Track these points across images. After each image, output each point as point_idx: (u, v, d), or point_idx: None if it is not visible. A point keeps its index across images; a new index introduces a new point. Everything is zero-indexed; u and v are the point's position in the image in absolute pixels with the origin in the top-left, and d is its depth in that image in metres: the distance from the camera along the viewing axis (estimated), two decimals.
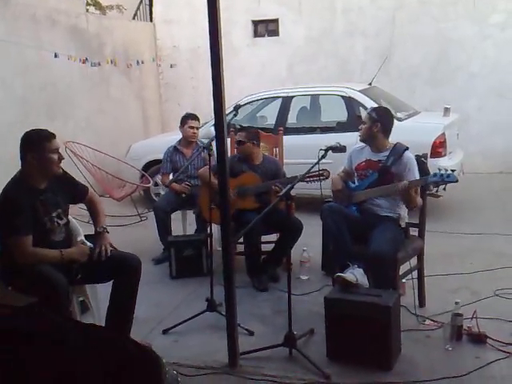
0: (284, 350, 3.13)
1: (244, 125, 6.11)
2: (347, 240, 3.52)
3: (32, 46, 6.70)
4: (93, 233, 3.27)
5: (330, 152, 3.24)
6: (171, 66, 9.43)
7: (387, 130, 3.70)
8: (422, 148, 4.53)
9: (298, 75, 8.84)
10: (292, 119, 6.80)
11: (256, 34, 9.44)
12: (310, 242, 4.49)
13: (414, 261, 3.69)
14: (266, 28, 9.42)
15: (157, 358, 1.26)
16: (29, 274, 2.86)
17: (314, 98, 7.03)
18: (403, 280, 3.73)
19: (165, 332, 3.52)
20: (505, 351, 3.09)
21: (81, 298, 3.38)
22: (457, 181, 3.30)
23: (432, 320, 3.50)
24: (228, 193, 3.03)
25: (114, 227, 4.99)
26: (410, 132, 5.38)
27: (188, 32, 9.41)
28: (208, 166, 3.80)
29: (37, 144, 2.98)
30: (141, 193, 7.01)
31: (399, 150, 3.60)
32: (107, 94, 8.28)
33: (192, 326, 3.54)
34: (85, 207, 3.48)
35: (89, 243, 3.22)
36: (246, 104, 6.47)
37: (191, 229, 5.13)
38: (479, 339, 3.19)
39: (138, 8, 10.08)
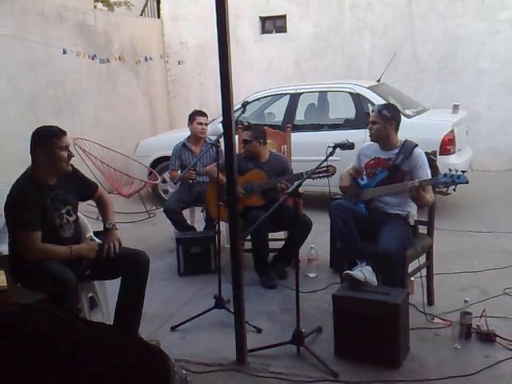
0: (292, 347, 3.13)
1: (252, 122, 6.11)
2: (355, 237, 3.50)
3: (40, 42, 6.72)
4: (102, 229, 3.28)
5: (337, 149, 3.23)
6: (179, 63, 9.45)
7: (398, 128, 3.67)
8: (431, 145, 4.49)
9: (306, 72, 8.82)
10: (300, 116, 6.76)
11: (263, 31, 9.41)
12: (318, 239, 4.48)
13: (422, 259, 3.67)
14: (273, 24, 9.38)
15: (166, 359, 1.26)
16: (38, 270, 2.86)
17: (322, 95, 6.98)
18: (412, 278, 3.71)
19: (173, 329, 3.53)
20: None
21: (90, 294, 3.40)
22: (467, 182, 3.21)
23: (441, 318, 3.48)
24: (236, 190, 3.02)
25: (122, 224, 5.00)
26: (419, 129, 5.33)
27: (195, 29, 9.42)
28: (216, 163, 3.79)
29: (46, 140, 2.97)
30: (149, 190, 7.02)
31: (409, 148, 3.56)
32: (115, 91, 8.29)
33: (200, 323, 3.54)
34: (94, 204, 3.49)
35: (98, 239, 3.23)
36: (253, 101, 6.46)
37: (200, 226, 5.14)
38: (488, 338, 3.18)
39: (146, 4, 10.08)
